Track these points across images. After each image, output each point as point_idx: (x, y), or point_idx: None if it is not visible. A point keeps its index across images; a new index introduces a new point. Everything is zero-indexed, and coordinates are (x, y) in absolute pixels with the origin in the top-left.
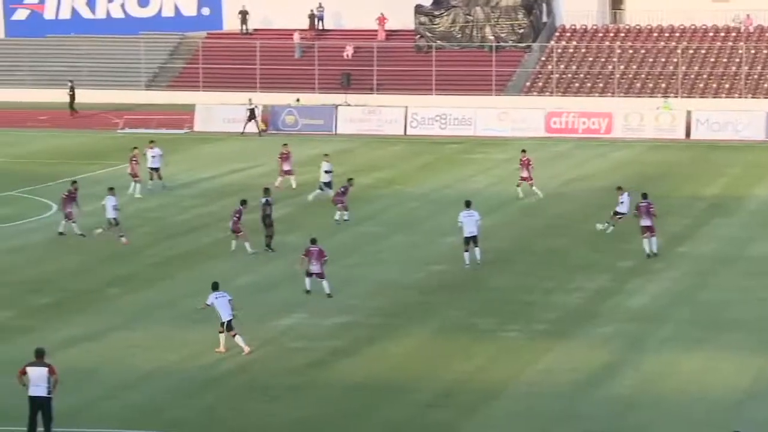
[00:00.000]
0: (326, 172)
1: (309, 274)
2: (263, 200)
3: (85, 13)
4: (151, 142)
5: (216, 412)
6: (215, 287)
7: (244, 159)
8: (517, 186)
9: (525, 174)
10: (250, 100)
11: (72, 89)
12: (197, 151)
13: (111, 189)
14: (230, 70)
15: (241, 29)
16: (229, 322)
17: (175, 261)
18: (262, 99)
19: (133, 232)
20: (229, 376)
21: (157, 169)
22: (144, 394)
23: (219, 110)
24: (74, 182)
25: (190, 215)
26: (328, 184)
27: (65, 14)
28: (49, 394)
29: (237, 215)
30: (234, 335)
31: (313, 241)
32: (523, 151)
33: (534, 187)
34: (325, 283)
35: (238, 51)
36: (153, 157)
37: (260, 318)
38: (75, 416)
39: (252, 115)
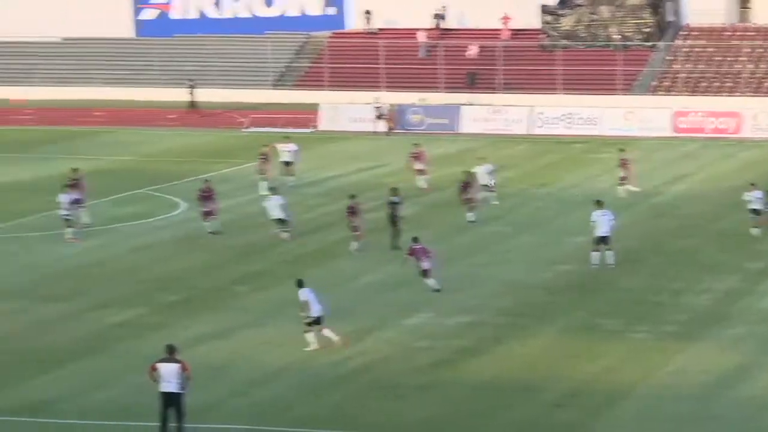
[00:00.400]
0: (484, 175)
1: (423, 273)
2: (391, 199)
3: (212, 12)
4: (286, 137)
5: (344, 410)
6: (301, 284)
7: (371, 158)
8: (619, 186)
9: (623, 174)
10: (377, 99)
11: (191, 87)
12: (323, 150)
13: (273, 189)
14: (355, 69)
15: (366, 29)
16: (320, 317)
17: (302, 259)
18: (387, 98)
19: (260, 230)
20: (357, 374)
21: (289, 164)
22: (273, 391)
23: (344, 109)
24: (206, 181)
25: (316, 214)
26: (487, 187)
27: (192, 14)
28: (181, 390)
29: (349, 210)
30: (321, 329)
31: (415, 240)
32: (621, 150)
33: (628, 186)
34: (432, 281)
35: (362, 50)
36: (288, 152)
37: (385, 317)
38: (205, 413)
39: (381, 114)
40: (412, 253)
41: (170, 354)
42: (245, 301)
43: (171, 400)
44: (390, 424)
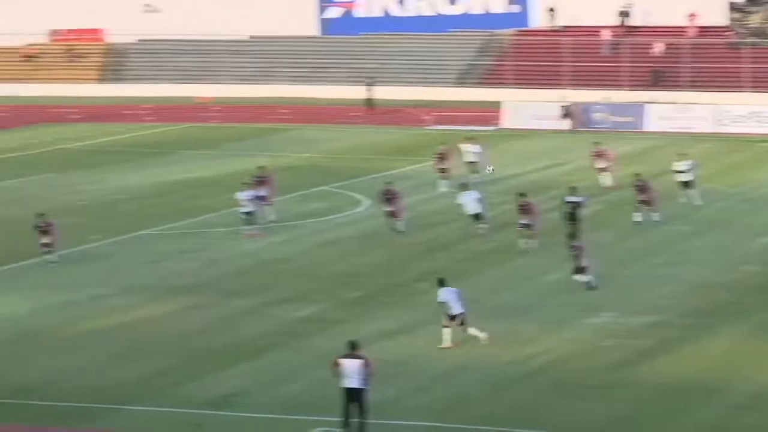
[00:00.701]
0: (681, 171)
1: (579, 270)
2: (568, 198)
3: (396, 11)
4: (471, 138)
5: (524, 408)
6: (442, 283)
7: (553, 156)
8: None
9: None
10: (565, 97)
11: (369, 85)
12: (505, 148)
13: (464, 185)
14: (538, 66)
15: (550, 26)
16: (461, 314)
17: (483, 256)
18: (570, 96)
19: (443, 227)
20: (538, 373)
21: (473, 164)
22: (454, 388)
23: (527, 107)
24: (389, 182)
25: (497, 212)
26: (687, 184)
27: (376, 12)
28: (364, 385)
29: (521, 208)
30: (465, 328)
31: (572, 236)
32: None
33: None
34: (587, 277)
35: (546, 48)
36: (473, 152)
37: (568, 316)
38: (386, 408)
39: (566, 113)
40: (573, 249)
41: (353, 350)
42: (427, 297)
43: (353, 396)
44: (571, 423)
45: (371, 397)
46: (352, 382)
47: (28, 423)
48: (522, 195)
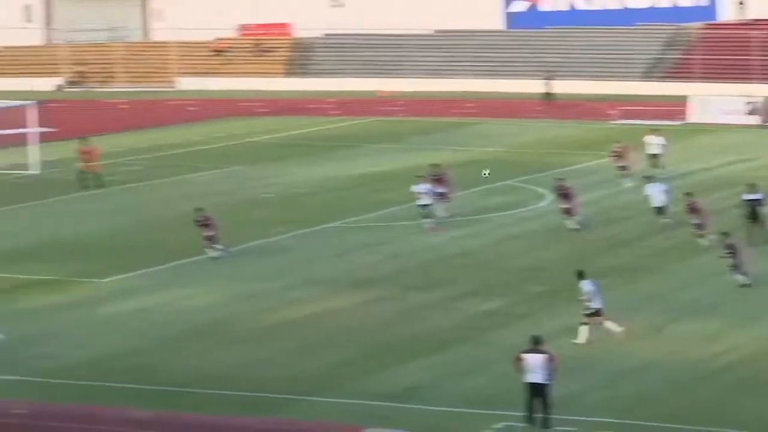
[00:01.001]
0: None
1: (734, 267)
2: (748, 197)
3: (581, 4)
4: (655, 130)
5: (710, 407)
6: (582, 276)
7: (739, 152)
8: None
9: None
10: (750, 94)
11: (548, 79)
12: (691, 143)
13: (649, 177)
14: (726, 60)
15: (739, 19)
16: (600, 309)
17: (667, 252)
18: (759, 90)
19: (626, 222)
20: (724, 371)
21: (657, 156)
22: (637, 384)
23: (714, 101)
24: (560, 179)
25: (681, 207)
26: None
27: (562, 6)
28: (548, 380)
29: (689, 208)
30: (601, 322)
31: (726, 234)
32: None
33: None
34: (739, 276)
35: (734, 41)
36: (657, 145)
37: (754, 314)
38: (568, 404)
39: (754, 109)
40: (728, 247)
41: (536, 345)
42: (610, 293)
43: (537, 391)
44: (758, 422)
45: (555, 392)
46: (536, 377)
47: (213, 412)
48: (688, 194)
